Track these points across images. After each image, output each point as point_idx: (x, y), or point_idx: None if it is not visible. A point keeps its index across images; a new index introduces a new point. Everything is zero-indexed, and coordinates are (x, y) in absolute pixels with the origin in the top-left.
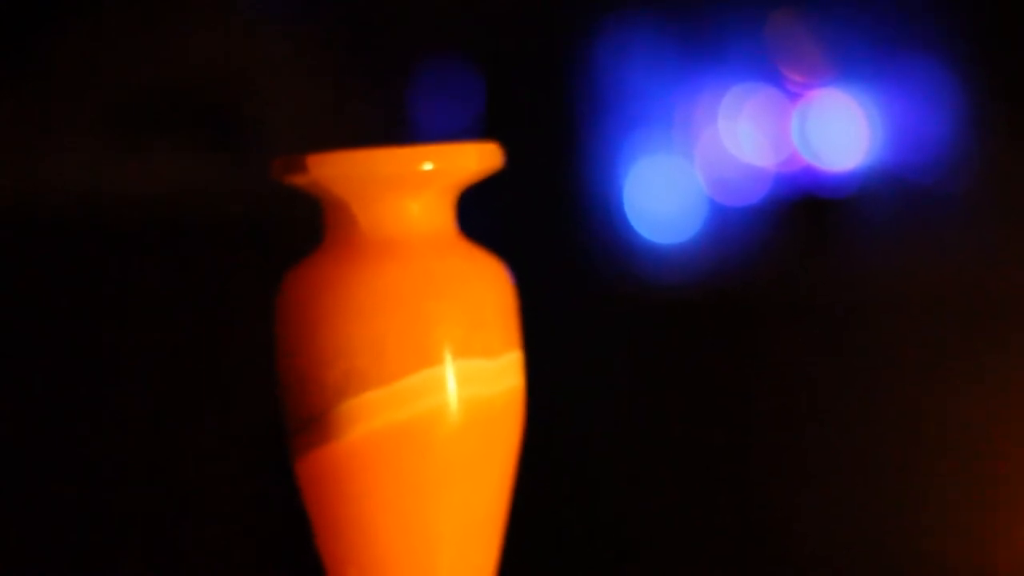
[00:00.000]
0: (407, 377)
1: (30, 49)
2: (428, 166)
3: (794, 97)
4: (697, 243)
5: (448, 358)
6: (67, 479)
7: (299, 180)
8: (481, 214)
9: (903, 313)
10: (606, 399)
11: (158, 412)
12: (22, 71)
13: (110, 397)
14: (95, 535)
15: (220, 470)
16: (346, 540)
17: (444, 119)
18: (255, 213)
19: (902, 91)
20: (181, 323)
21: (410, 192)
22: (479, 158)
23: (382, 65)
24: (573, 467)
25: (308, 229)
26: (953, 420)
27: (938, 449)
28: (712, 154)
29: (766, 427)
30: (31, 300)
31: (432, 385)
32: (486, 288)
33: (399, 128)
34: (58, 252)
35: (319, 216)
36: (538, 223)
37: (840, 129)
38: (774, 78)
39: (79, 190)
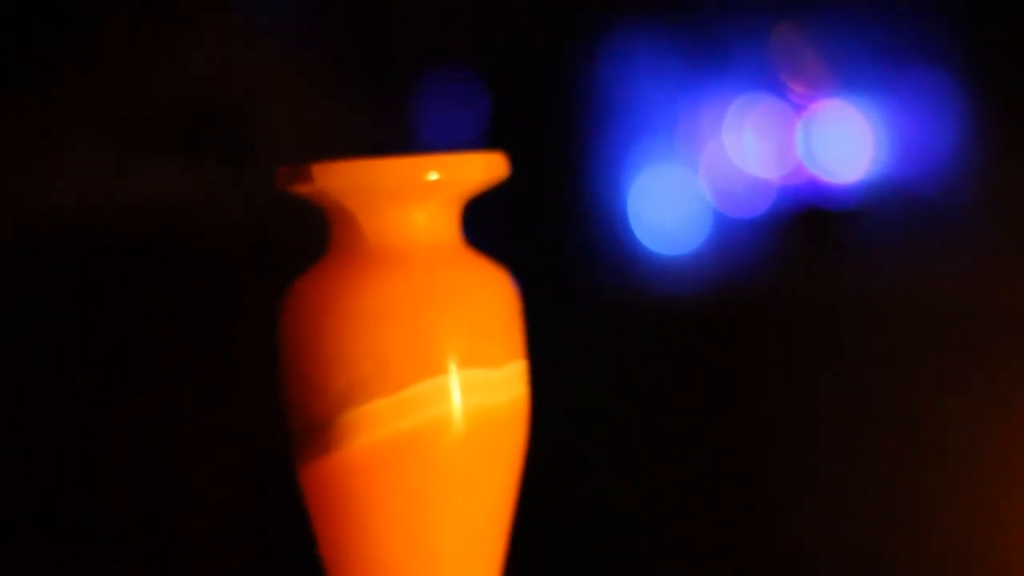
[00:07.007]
0: (411, 386)
1: (34, 64)
2: (433, 176)
3: (798, 109)
4: (701, 254)
5: (452, 368)
6: (69, 491)
7: (304, 190)
8: (486, 224)
9: (908, 325)
10: (610, 409)
11: (163, 422)
12: (26, 86)
13: (114, 408)
14: (99, 542)
15: (224, 479)
16: (349, 548)
17: (449, 129)
18: (260, 223)
19: (907, 103)
20: (186, 334)
21: (415, 202)
22: (485, 168)
23: (387, 75)
24: (577, 476)
25: (313, 239)
26: (956, 432)
27: (943, 465)
28: (716, 165)
29: (770, 438)
30: (34, 312)
31: (436, 395)
32: (491, 298)
33: (404, 138)
34: (62, 264)
35: (324, 226)
36: (543, 233)
37: (844, 141)
38: (778, 89)
39: (82, 203)
